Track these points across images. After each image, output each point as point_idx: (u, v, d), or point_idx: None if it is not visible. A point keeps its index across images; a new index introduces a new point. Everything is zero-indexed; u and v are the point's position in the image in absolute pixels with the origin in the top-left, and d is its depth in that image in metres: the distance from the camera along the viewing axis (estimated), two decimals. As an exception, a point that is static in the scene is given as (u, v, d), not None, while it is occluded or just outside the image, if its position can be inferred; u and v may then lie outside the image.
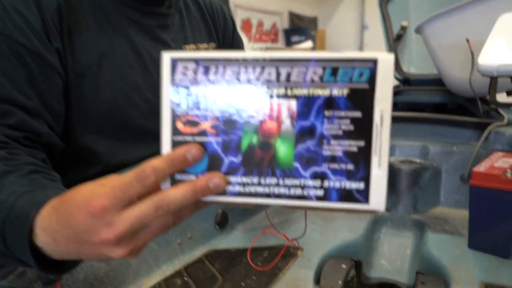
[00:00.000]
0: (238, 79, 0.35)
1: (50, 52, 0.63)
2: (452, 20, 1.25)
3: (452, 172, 1.02)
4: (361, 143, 0.34)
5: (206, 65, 0.35)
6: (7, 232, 0.41)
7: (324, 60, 0.34)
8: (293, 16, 5.78)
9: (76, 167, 0.71)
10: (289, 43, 5.49)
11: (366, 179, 0.34)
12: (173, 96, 0.36)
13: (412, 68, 1.64)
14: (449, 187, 1.02)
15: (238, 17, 4.43)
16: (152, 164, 0.35)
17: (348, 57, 0.34)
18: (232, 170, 0.36)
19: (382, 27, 1.76)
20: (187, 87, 0.36)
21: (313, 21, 6.53)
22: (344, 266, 0.80)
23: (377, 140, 0.33)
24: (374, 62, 0.33)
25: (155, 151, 0.48)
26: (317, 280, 0.76)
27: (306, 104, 0.34)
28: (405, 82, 1.60)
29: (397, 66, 1.64)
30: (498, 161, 0.83)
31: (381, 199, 0.34)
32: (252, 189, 0.36)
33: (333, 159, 0.34)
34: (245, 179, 0.36)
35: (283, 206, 0.36)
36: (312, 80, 0.34)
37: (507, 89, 0.96)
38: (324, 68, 0.34)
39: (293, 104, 0.35)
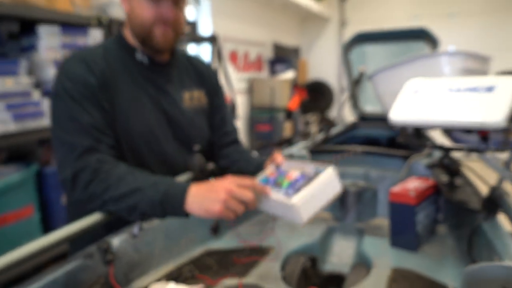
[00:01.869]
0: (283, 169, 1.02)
1: (103, 101, 1.01)
2: (391, 73, 1.63)
3: (385, 192, 1.36)
4: (306, 185, 0.89)
5: (276, 182, 0.97)
6: (167, 193, 0.88)
7: (307, 176, 0.94)
8: (277, 47, 6.22)
9: None
10: (273, 72, 5.91)
11: (299, 192, 0.87)
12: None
13: (367, 107, 2.01)
14: (383, 203, 1.36)
15: (226, 49, 4.81)
16: (251, 181, 0.90)
17: (317, 167, 0.94)
18: (271, 187, 0.94)
19: (345, 70, 2.14)
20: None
21: (296, 51, 6.98)
22: (302, 259, 1.12)
23: (312, 186, 0.89)
24: (328, 169, 0.91)
25: (169, 166, 1.07)
26: (283, 268, 1.09)
27: (301, 176, 0.94)
28: (362, 118, 1.97)
29: (356, 104, 2.01)
30: (410, 184, 1.18)
31: (300, 200, 0.85)
32: (274, 191, 0.91)
33: (297, 188, 0.88)
34: (273, 189, 0.92)
35: (276, 200, 0.90)
36: (303, 175, 0.94)
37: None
38: (310, 171, 0.95)
39: (297, 174, 0.95)
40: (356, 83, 2.02)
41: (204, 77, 1.28)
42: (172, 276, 0.98)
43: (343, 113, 4.83)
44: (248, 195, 0.86)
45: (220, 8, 4.60)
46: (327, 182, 0.91)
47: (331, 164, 0.95)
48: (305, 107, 6.52)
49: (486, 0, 6.11)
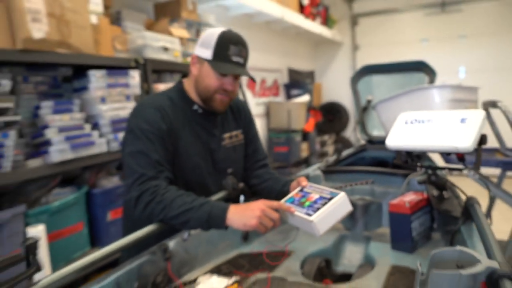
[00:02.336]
0: (306, 191, 1.28)
1: (168, 143, 1.29)
2: (390, 103, 1.88)
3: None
4: (323, 206, 1.14)
5: (300, 202, 1.24)
6: (212, 213, 1.13)
7: (324, 198, 1.20)
8: (292, 72, 6.54)
9: None
10: (289, 97, 6.21)
11: (317, 212, 1.10)
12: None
13: (374, 131, 2.26)
14: (387, 215, 1.60)
15: (244, 77, 5.16)
16: (278, 203, 1.18)
17: (332, 191, 1.20)
18: (296, 206, 1.20)
19: (353, 99, 2.40)
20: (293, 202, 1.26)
21: (310, 75, 7.29)
22: (318, 259, 1.37)
23: (327, 207, 1.13)
24: (341, 194, 1.17)
25: (207, 189, 1.35)
26: (302, 267, 1.33)
27: (319, 198, 1.20)
28: (370, 142, 2.21)
29: (364, 130, 2.26)
30: (407, 197, 1.42)
31: (317, 218, 1.08)
32: (298, 210, 1.16)
33: (316, 208, 1.14)
34: (297, 208, 1.17)
35: (299, 216, 1.15)
36: (321, 197, 1.19)
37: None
38: (326, 194, 1.21)
39: (316, 196, 1.21)
40: (364, 110, 2.28)
41: (240, 117, 1.58)
42: (214, 272, 1.24)
43: (358, 133, 5.06)
44: (275, 215, 1.14)
45: (238, 39, 4.95)
46: (339, 204, 1.16)
47: (346, 187, 1.41)
48: (321, 128, 6.78)
49: (496, 21, 6.32)
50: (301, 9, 5.68)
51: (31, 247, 0.84)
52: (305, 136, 5.87)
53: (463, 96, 1.73)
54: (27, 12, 1.74)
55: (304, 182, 1.33)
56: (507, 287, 0.66)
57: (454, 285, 0.73)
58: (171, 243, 1.21)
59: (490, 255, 0.84)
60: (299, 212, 1.17)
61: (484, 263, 0.74)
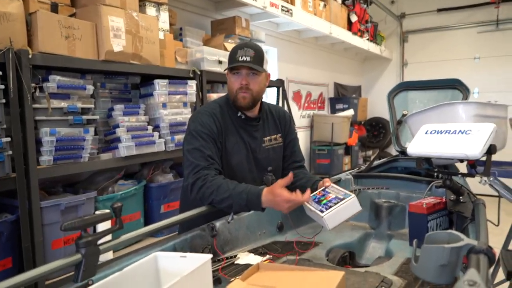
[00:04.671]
0: (327, 191, 1.46)
1: (218, 142, 1.56)
2: (420, 117, 2.04)
3: (412, 208, 1.76)
4: (335, 205, 1.33)
5: (319, 199, 1.43)
6: (249, 200, 1.39)
7: (338, 198, 1.39)
8: (338, 86, 6.71)
9: None
10: (333, 110, 6.38)
11: (329, 209, 1.29)
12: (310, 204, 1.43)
13: (407, 143, 2.40)
14: (409, 217, 1.76)
15: (290, 90, 5.39)
16: (303, 197, 1.38)
17: (346, 193, 1.40)
18: (315, 203, 1.40)
19: (389, 113, 2.57)
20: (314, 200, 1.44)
21: (357, 89, 7.41)
22: (342, 250, 1.56)
23: (338, 206, 1.33)
24: (352, 196, 1.36)
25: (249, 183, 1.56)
26: (327, 255, 1.53)
27: (334, 198, 1.39)
28: (402, 153, 2.36)
29: (398, 142, 2.42)
30: (426, 200, 1.58)
31: (327, 215, 1.32)
32: (313, 205, 1.38)
33: (329, 206, 1.34)
34: (315, 205, 1.38)
35: (315, 212, 1.37)
36: (336, 197, 1.38)
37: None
38: (341, 196, 1.40)
39: (333, 196, 1.39)
40: (398, 123, 2.44)
41: (280, 122, 1.83)
42: (251, 252, 1.47)
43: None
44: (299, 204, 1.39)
45: (285, 54, 5.22)
46: (349, 205, 1.36)
47: (359, 191, 1.62)
48: (365, 143, 6.85)
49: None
50: (349, 25, 5.85)
51: (117, 210, 1.12)
52: (348, 150, 6.00)
53: (490, 112, 1.86)
54: (110, 29, 2.11)
55: (327, 182, 1.53)
56: (472, 259, 0.84)
57: (439, 257, 0.91)
58: (218, 223, 1.46)
59: (477, 238, 1.01)
60: (315, 208, 1.38)
61: (465, 241, 0.92)
